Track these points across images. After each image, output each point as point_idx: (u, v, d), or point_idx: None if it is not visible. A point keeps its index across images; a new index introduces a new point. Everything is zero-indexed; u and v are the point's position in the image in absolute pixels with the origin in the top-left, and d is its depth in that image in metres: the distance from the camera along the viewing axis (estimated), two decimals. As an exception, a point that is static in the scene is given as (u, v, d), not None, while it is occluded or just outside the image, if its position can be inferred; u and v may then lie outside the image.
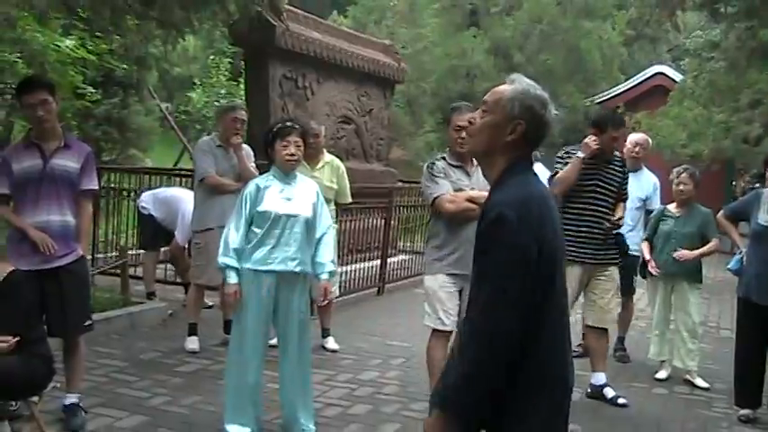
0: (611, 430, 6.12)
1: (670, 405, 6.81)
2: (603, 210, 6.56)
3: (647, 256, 7.64)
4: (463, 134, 5.52)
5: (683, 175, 7.46)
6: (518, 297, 2.59)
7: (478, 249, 2.73)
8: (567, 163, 6.56)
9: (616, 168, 6.68)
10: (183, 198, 8.67)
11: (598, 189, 6.54)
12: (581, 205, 6.53)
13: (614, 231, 6.65)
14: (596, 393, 6.70)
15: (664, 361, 7.65)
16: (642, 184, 8.19)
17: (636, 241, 8.06)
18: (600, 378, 6.74)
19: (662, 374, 7.59)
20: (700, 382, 7.42)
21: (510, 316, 2.59)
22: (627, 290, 8.28)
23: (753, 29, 9.87)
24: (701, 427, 6.33)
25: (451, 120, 5.78)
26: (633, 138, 8.44)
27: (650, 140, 8.75)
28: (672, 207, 7.58)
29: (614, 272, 6.75)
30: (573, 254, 6.40)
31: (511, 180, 2.77)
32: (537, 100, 2.81)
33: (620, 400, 6.61)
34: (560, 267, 2.78)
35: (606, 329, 6.81)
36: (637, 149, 8.25)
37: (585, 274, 6.59)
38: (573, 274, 6.33)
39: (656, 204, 8.18)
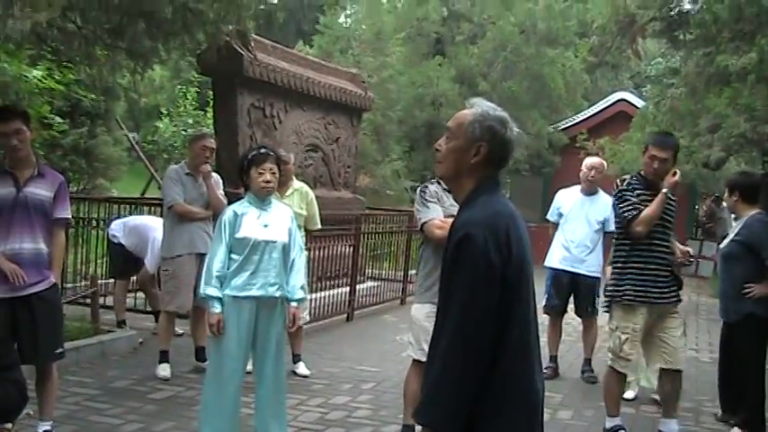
0: (579, 449, 6.23)
1: (638, 424, 6.90)
2: (667, 244, 6.24)
3: None
4: None
5: (640, 196, 7.63)
6: (486, 314, 2.71)
7: (446, 268, 2.84)
8: (638, 196, 6.12)
9: (671, 198, 6.28)
10: (153, 226, 8.69)
11: (662, 222, 6.16)
12: (649, 242, 6.13)
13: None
14: None
15: (630, 381, 7.75)
16: (599, 207, 8.38)
17: (595, 263, 8.28)
18: (671, 427, 6.33)
19: (629, 394, 7.67)
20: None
21: (479, 332, 2.71)
22: (589, 312, 8.46)
23: (710, 55, 10.10)
24: (667, 444, 6.46)
25: None
26: (589, 162, 8.59)
27: (605, 164, 8.91)
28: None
29: (677, 309, 6.41)
30: (640, 294, 6.12)
31: (478, 200, 2.91)
32: (497, 120, 2.94)
33: None
34: (527, 283, 2.87)
35: (680, 371, 6.36)
36: (592, 173, 8.42)
37: (654, 314, 6.22)
38: (639, 315, 6.15)
39: (613, 226, 8.35)
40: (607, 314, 8.11)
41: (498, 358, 2.76)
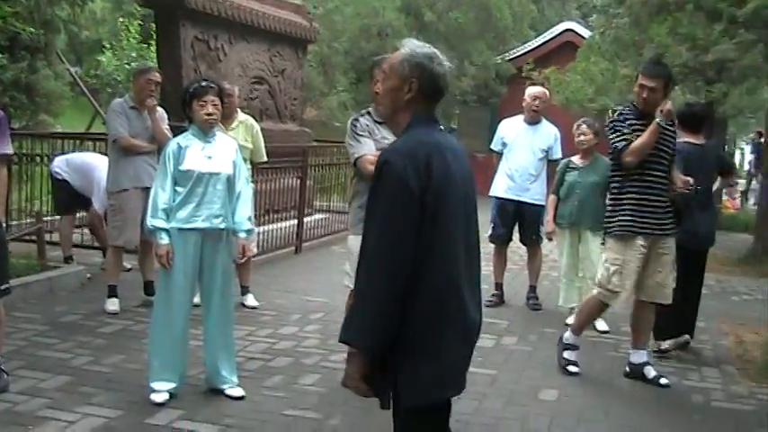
0: (521, 374, 6.39)
1: (581, 348, 7.07)
2: (664, 174, 6.13)
3: (551, 214, 7.93)
4: None
5: (582, 126, 7.78)
6: (403, 235, 2.91)
7: (369, 196, 3.06)
8: (630, 126, 6.05)
9: (668, 127, 6.12)
10: (98, 165, 8.62)
11: (656, 152, 6.05)
12: (642, 172, 6.06)
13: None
14: (636, 373, 6.38)
15: (573, 307, 7.93)
16: (543, 136, 8.50)
17: (539, 191, 8.41)
18: (641, 356, 6.41)
19: (572, 320, 7.86)
20: (600, 325, 7.71)
21: (398, 243, 2.90)
22: (533, 239, 8.61)
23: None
24: (607, 368, 6.67)
25: (374, 74, 5.53)
26: (531, 91, 8.68)
27: (548, 93, 8.97)
28: (576, 159, 7.87)
29: (672, 243, 6.28)
30: (636, 225, 6.05)
31: (408, 132, 3.11)
32: (424, 57, 3.12)
33: (663, 380, 6.27)
34: (449, 211, 3.00)
35: (655, 305, 6.34)
36: (536, 103, 8.50)
37: (648, 245, 6.12)
38: (635, 247, 6.06)
39: (557, 154, 8.48)
40: (551, 242, 8.34)
41: (421, 280, 2.92)
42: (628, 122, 6.10)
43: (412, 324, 2.93)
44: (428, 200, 2.92)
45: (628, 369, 6.45)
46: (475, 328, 3.13)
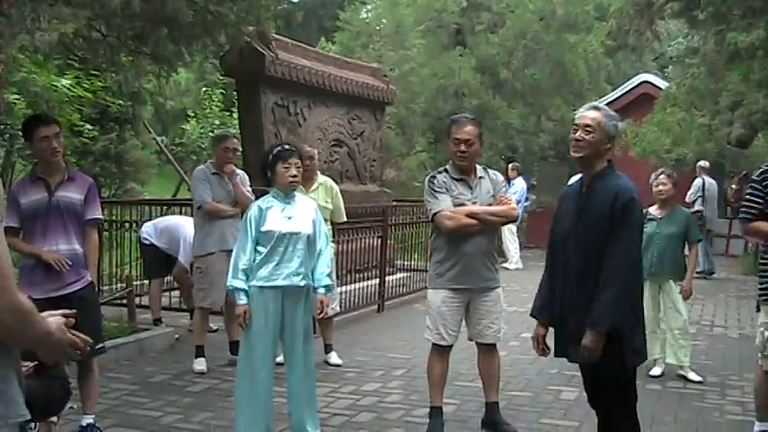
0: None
1: (664, 400, 7.01)
2: None
3: None
4: (463, 147, 5.69)
5: (661, 176, 7.73)
6: (640, 250, 4.41)
7: (613, 220, 4.18)
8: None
9: None
10: (183, 223, 9.01)
11: None
12: None
13: None
14: None
15: (657, 359, 7.85)
16: None
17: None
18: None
19: (656, 371, 7.77)
20: (693, 376, 7.62)
21: (639, 261, 4.37)
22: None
23: (722, 33, 10.15)
24: (693, 418, 6.55)
25: (451, 132, 5.72)
26: None
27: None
28: (653, 209, 7.82)
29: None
30: None
31: (614, 174, 4.34)
32: (617, 119, 4.44)
33: None
34: None
35: None
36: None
37: None
38: None
39: None
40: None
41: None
42: None
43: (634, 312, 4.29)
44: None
45: None
46: None
